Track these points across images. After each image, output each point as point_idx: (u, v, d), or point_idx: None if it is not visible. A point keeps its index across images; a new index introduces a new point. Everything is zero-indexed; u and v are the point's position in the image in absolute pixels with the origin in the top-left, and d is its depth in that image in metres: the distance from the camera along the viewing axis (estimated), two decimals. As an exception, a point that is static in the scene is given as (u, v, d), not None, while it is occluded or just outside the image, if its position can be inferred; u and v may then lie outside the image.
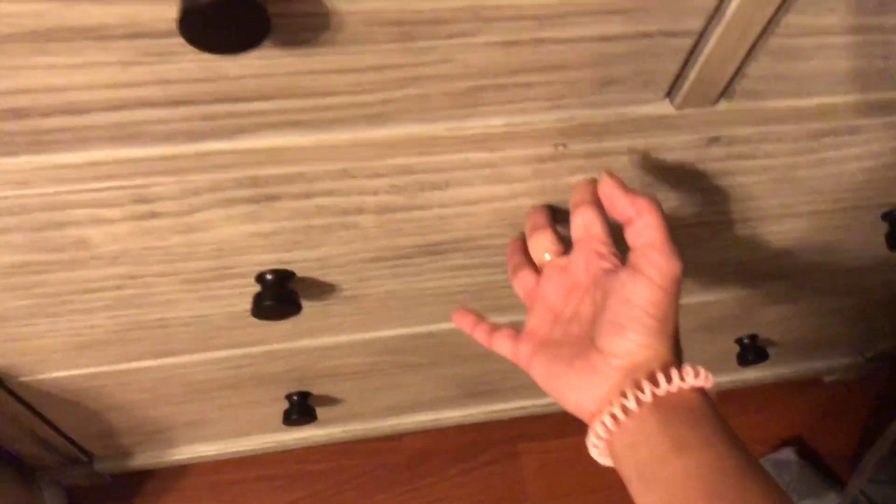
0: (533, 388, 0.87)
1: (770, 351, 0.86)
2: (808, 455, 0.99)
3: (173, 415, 0.75)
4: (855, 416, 1.03)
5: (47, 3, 0.29)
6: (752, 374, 0.95)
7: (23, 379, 0.61)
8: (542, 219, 0.47)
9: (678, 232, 0.57)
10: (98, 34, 0.31)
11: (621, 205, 0.40)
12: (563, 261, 0.45)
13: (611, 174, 0.41)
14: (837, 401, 1.03)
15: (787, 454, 0.98)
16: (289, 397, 0.74)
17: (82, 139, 0.37)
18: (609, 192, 0.40)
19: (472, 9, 0.33)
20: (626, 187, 0.40)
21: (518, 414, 0.93)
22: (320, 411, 0.80)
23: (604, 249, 0.42)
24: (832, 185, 0.54)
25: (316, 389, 0.75)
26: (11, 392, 0.63)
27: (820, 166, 0.51)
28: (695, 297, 0.69)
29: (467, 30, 0.34)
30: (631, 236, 0.40)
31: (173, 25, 0.29)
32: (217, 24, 0.27)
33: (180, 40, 0.28)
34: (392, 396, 0.81)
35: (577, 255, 0.44)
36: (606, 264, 0.42)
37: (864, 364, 0.97)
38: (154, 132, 0.37)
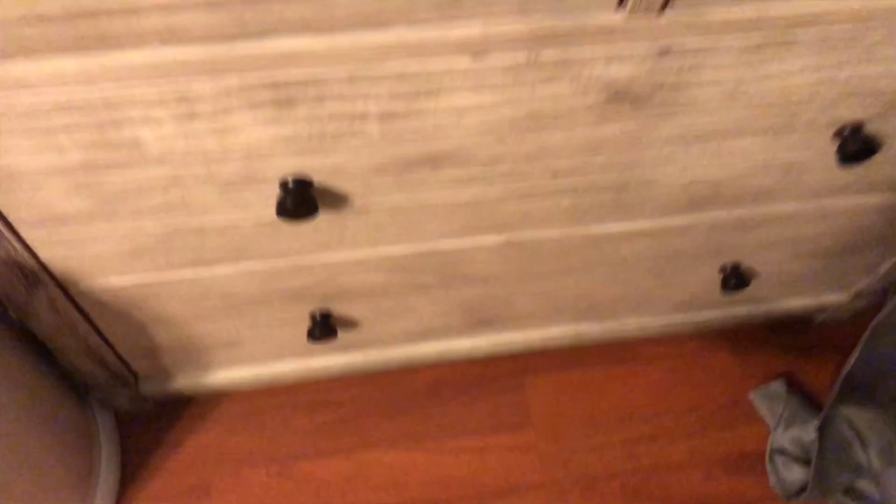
0: (537, 318, 0.95)
1: (755, 282, 0.94)
2: (797, 388, 1.06)
3: (211, 332, 0.84)
4: (843, 354, 1.09)
5: (115, -85, 0.38)
6: (744, 310, 1.02)
7: (82, 285, 0.71)
8: None
9: (648, 147, 0.65)
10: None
11: None
12: None
13: None
14: (826, 340, 1.10)
15: (778, 386, 1.04)
16: (312, 316, 0.83)
17: (138, 39, 0.46)
18: None
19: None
20: None
21: (523, 348, 1.01)
22: (341, 335, 0.89)
23: None
24: (780, 100, 0.61)
25: (336, 308, 0.83)
26: (72, 300, 0.73)
27: (765, 81, 0.59)
28: (669, 221, 0.76)
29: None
30: None
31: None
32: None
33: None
34: (405, 321, 0.89)
35: None
36: None
37: (849, 302, 1.04)
38: (195, 34, 0.46)
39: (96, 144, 0.54)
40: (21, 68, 0.47)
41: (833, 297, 1.03)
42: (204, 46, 0.48)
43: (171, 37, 0.46)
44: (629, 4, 0.49)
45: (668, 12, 0.51)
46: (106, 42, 0.46)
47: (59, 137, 0.53)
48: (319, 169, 0.61)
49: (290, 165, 0.60)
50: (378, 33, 0.49)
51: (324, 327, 0.83)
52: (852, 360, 0.86)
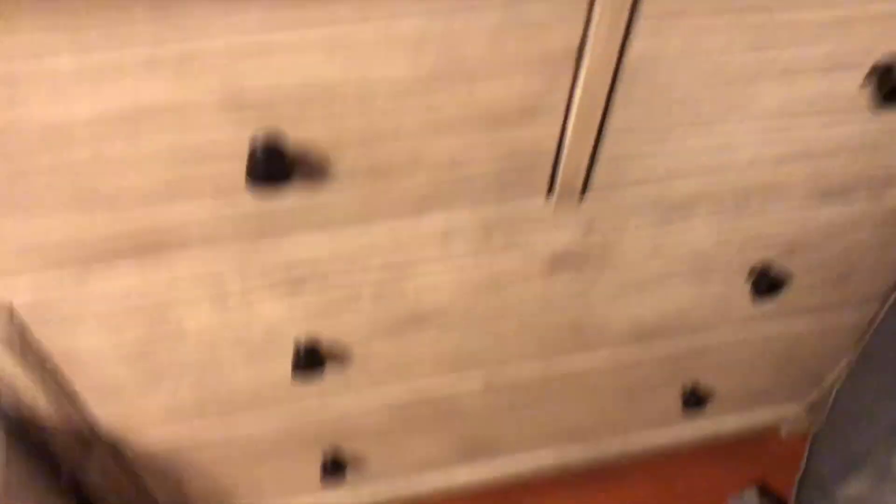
0: (525, 445, 1.06)
1: (717, 399, 1.06)
2: (769, 495, 1.15)
3: (233, 475, 0.96)
4: (809, 460, 1.19)
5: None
6: (712, 425, 1.13)
7: (127, 440, 0.83)
8: None
9: (592, 294, 0.79)
10: (197, 191, 0.56)
11: None
12: None
13: None
14: (792, 449, 1.20)
15: (751, 495, 1.14)
16: (323, 455, 0.95)
17: (183, 243, 0.61)
18: None
19: (413, 156, 0.57)
20: None
21: (516, 474, 1.11)
22: (350, 472, 1.00)
23: None
24: (694, 253, 0.76)
25: (345, 445, 0.95)
26: (118, 454, 0.85)
27: (678, 239, 0.74)
28: (625, 351, 0.89)
29: (407, 167, 0.59)
30: None
31: (241, 177, 0.54)
32: (265, 170, 0.52)
33: (244, 186, 0.53)
34: (405, 453, 1.01)
35: None
36: None
37: (806, 414, 1.15)
38: (228, 238, 0.62)
39: (148, 324, 0.68)
40: (95, 274, 0.62)
41: (790, 410, 1.14)
42: (234, 245, 0.63)
43: (208, 241, 0.62)
44: (555, 195, 0.65)
45: (587, 198, 0.66)
46: (159, 248, 0.61)
47: (119, 323, 0.67)
48: (326, 330, 0.75)
49: (302, 329, 0.74)
50: (367, 226, 0.64)
51: (333, 466, 0.95)
52: (802, 468, 0.96)
